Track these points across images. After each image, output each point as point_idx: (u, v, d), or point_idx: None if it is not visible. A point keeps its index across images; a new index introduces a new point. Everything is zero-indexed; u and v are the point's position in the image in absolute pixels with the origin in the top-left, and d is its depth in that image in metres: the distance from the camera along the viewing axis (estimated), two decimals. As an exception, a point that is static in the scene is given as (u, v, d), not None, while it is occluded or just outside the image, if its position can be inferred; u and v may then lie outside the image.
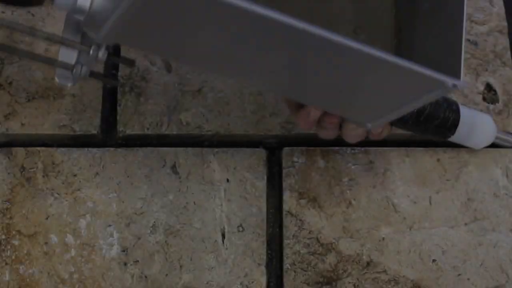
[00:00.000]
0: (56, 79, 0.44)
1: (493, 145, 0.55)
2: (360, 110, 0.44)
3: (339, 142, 0.53)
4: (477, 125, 0.52)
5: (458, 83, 0.35)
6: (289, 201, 0.54)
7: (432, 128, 0.51)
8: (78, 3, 0.37)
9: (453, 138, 0.53)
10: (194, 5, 0.31)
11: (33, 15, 0.59)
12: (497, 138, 0.55)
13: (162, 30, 0.35)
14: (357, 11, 0.46)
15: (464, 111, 0.52)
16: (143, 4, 0.31)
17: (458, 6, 0.40)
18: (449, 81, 0.34)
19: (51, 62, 0.44)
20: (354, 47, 0.33)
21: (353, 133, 0.47)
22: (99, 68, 0.57)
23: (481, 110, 0.58)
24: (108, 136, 0.58)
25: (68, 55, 0.43)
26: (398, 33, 0.46)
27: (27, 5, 0.38)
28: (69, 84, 0.44)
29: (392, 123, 0.49)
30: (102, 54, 0.41)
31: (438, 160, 0.56)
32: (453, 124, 0.51)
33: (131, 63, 0.49)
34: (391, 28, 0.46)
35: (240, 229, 0.54)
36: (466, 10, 0.39)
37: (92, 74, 0.44)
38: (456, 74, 0.36)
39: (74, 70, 0.42)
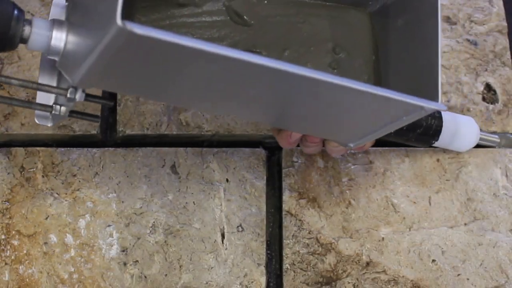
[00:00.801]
0: (36, 120, 0.43)
1: (477, 146, 0.55)
2: (340, 133, 0.44)
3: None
4: (460, 129, 0.53)
5: (437, 106, 0.35)
6: (288, 201, 0.54)
7: (416, 136, 0.51)
8: (52, 44, 0.37)
9: (438, 144, 0.53)
10: (162, 53, 0.31)
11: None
12: (481, 139, 0.55)
13: (135, 76, 0.35)
14: (335, 29, 0.46)
15: (446, 116, 0.52)
16: (113, 54, 0.31)
17: (433, 24, 0.40)
18: (427, 105, 0.34)
19: (29, 105, 0.43)
20: (330, 82, 0.33)
21: (336, 149, 0.48)
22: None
23: (481, 110, 0.58)
24: (107, 136, 0.58)
25: (45, 97, 0.42)
26: (376, 49, 0.46)
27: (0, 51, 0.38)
28: (49, 125, 0.44)
29: None
30: (79, 96, 0.40)
31: (438, 160, 0.56)
32: (436, 131, 0.51)
33: (110, 101, 0.48)
34: (369, 45, 0.46)
35: (240, 229, 0.54)
36: (440, 28, 0.39)
37: (72, 114, 0.44)
38: (433, 96, 0.37)
39: (53, 112, 0.41)
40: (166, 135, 0.57)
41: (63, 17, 0.39)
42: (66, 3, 0.40)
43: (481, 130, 0.55)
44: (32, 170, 0.55)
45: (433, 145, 0.53)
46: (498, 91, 0.59)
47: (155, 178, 0.55)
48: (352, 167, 0.56)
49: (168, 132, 0.57)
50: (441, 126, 0.51)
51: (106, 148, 0.56)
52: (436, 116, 0.51)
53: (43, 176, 0.54)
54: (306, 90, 0.35)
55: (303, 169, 0.55)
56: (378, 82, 0.45)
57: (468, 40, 0.61)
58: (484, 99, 0.59)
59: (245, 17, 0.45)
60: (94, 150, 0.56)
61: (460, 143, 0.53)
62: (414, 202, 0.55)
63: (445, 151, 0.56)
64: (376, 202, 0.54)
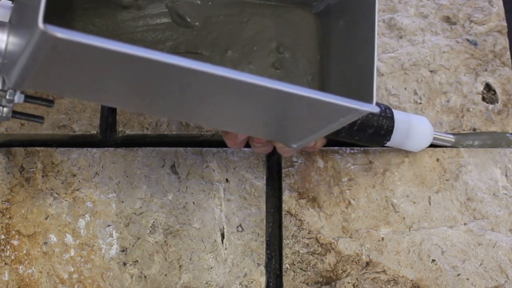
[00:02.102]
0: None
1: (432, 146, 0.55)
2: (281, 134, 0.44)
3: (339, 142, 0.53)
4: (412, 129, 0.52)
5: (369, 108, 0.35)
6: (288, 201, 0.54)
7: (367, 136, 0.51)
8: None
9: (390, 144, 0.53)
10: (88, 56, 0.31)
11: None
12: (435, 139, 0.55)
13: (70, 78, 0.35)
14: (279, 28, 0.46)
15: (398, 116, 0.52)
16: (42, 58, 0.31)
17: (370, 26, 0.40)
18: (359, 108, 0.35)
19: None
20: (260, 85, 0.33)
21: (283, 149, 0.48)
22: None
23: (481, 110, 0.58)
24: (107, 136, 0.58)
25: None
26: (321, 49, 0.46)
27: None
28: None
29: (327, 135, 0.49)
30: (18, 98, 0.40)
31: (438, 160, 0.56)
32: (388, 131, 0.51)
33: (49, 102, 0.48)
34: (314, 45, 0.46)
35: (240, 229, 0.54)
36: (376, 30, 0.40)
37: (16, 115, 0.44)
38: (368, 98, 0.37)
39: None
40: (166, 135, 0.57)
41: (7, 19, 0.39)
42: (12, 4, 0.40)
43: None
44: (32, 170, 0.55)
45: (386, 145, 0.53)
46: (498, 91, 0.59)
47: (155, 178, 0.55)
48: (352, 167, 0.56)
49: (168, 132, 0.57)
50: (392, 126, 0.51)
51: (106, 148, 0.56)
52: (388, 116, 0.51)
53: (43, 176, 0.54)
54: (235, 92, 0.35)
55: (303, 169, 0.55)
56: (322, 82, 0.45)
57: (468, 40, 0.61)
58: (484, 99, 0.59)
59: (187, 18, 0.45)
60: (94, 150, 0.56)
61: (413, 143, 0.53)
62: (414, 202, 0.55)
63: (444, 151, 0.56)
64: (376, 202, 0.54)
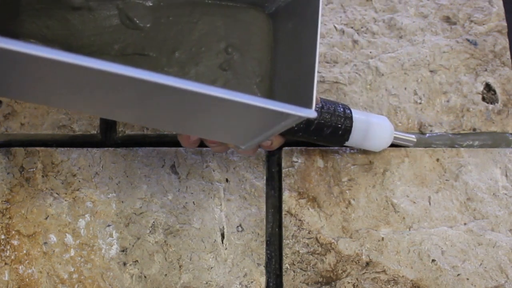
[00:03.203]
0: None
1: (394, 146, 0.55)
2: (229, 136, 0.44)
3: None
4: (372, 129, 0.52)
5: (306, 113, 0.35)
6: (288, 201, 0.54)
7: (325, 136, 0.51)
8: None
9: (349, 143, 0.53)
10: (10, 59, 0.31)
11: None
12: (395, 139, 0.55)
13: (7, 81, 0.35)
14: (229, 29, 0.46)
15: (357, 116, 0.52)
16: None
17: (313, 30, 0.40)
18: (297, 113, 0.35)
19: None
20: (200, 92, 0.33)
21: (240, 149, 0.48)
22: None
23: (481, 110, 0.58)
24: (107, 136, 0.58)
25: None
26: (271, 50, 0.46)
27: None
28: None
29: (285, 134, 0.49)
30: None
31: (438, 160, 0.56)
32: (346, 130, 0.51)
33: None
34: (265, 46, 0.46)
35: (240, 229, 0.54)
36: (319, 34, 0.40)
37: None
38: (308, 103, 0.37)
39: None
40: (166, 135, 0.57)
41: None
42: None
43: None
44: (32, 170, 0.55)
45: (345, 145, 0.53)
46: (498, 91, 0.59)
47: (155, 178, 0.55)
48: (352, 167, 0.56)
49: (168, 132, 0.57)
50: (351, 126, 0.51)
51: (106, 148, 0.56)
52: (347, 116, 0.51)
53: (43, 176, 0.54)
54: (169, 96, 0.35)
55: (303, 169, 0.55)
56: (271, 84, 0.45)
57: (468, 40, 0.61)
58: (484, 99, 0.59)
59: (136, 20, 0.45)
60: (94, 150, 0.56)
61: (373, 143, 0.53)
62: (414, 202, 0.55)
63: (444, 151, 0.56)
64: (376, 202, 0.55)
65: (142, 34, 0.45)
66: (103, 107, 0.40)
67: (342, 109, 0.51)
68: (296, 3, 0.44)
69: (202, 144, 0.49)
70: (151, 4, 0.45)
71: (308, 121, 0.49)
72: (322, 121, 0.50)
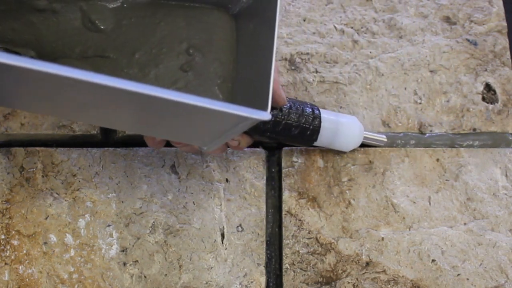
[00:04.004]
0: None
1: (364, 146, 0.55)
2: (190, 137, 0.45)
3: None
4: (341, 129, 0.52)
5: (262, 116, 0.35)
6: (288, 201, 0.54)
7: (293, 136, 0.51)
8: None
9: (318, 143, 0.53)
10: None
11: None
12: (365, 139, 0.55)
13: None
14: (192, 30, 0.46)
15: (326, 116, 0.52)
16: None
17: (271, 32, 0.40)
18: (251, 116, 0.35)
19: None
20: (141, 93, 0.33)
21: (203, 150, 0.48)
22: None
23: (481, 110, 0.58)
24: (107, 136, 0.58)
25: None
26: (234, 51, 0.46)
27: None
28: None
29: (252, 134, 0.49)
30: None
31: (438, 160, 0.56)
32: (314, 131, 0.51)
33: None
34: (228, 47, 0.46)
35: (240, 229, 0.54)
36: (276, 36, 0.40)
37: None
38: (264, 105, 0.37)
39: None
40: (166, 135, 0.57)
41: None
42: None
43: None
44: (32, 170, 0.55)
45: (314, 144, 0.53)
46: (498, 91, 0.59)
47: (155, 178, 0.55)
48: (352, 167, 0.56)
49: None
50: (319, 126, 0.51)
51: (106, 148, 0.56)
52: (315, 116, 0.51)
53: (43, 176, 0.54)
54: (124, 99, 0.35)
55: (303, 169, 0.55)
56: (233, 85, 0.45)
57: (468, 40, 0.61)
58: (484, 99, 0.59)
59: (97, 22, 0.45)
60: (94, 150, 0.56)
61: (342, 143, 0.53)
62: (414, 202, 0.55)
63: (444, 151, 0.56)
64: (376, 202, 0.54)
65: (103, 36, 0.45)
66: (65, 110, 0.40)
67: (310, 110, 0.51)
68: (257, 4, 0.44)
69: (168, 143, 0.49)
70: (114, 6, 0.45)
71: (275, 122, 0.49)
72: (290, 122, 0.50)
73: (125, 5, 0.45)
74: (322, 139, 0.52)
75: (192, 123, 0.39)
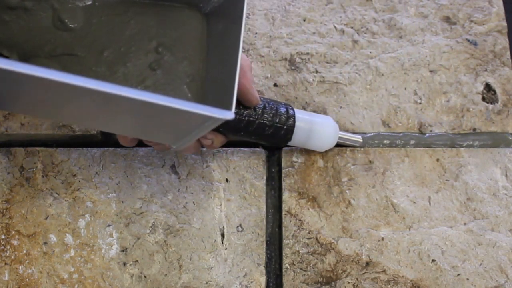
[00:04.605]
0: None
1: (339, 146, 0.55)
2: (158, 136, 0.45)
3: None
4: (315, 129, 0.52)
5: (225, 115, 0.36)
6: (288, 201, 0.54)
7: (267, 136, 0.51)
8: None
9: (293, 143, 0.53)
10: None
11: None
12: (340, 139, 0.55)
13: None
14: (162, 28, 0.46)
15: (301, 115, 0.52)
16: None
17: (238, 33, 0.40)
18: (214, 116, 0.35)
19: None
20: (103, 91, 0.33)
21: (173, 149, 0.48)
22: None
23: (481, 110, 0.58)
24: (107, 136, 0.58)
25: None
26: (203, 50, 0.46)
27: None
28: None
29: (226, 133, 0.49)
30: None
31: (438, 160, 0.56)
32: (288, 131, 0.51)
33: None
34: (198, 46, 0.46)
35: (240, 229, 0.54)
36: (242, 37, 0.40)
37: None
38: (228, 105, 0.38)
39: None
40: (166, 135, 0.57)
41: None
42: None
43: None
44: (32, 170, 0.55)
45: (289, 144, 0.53)
46: (498, 91, 0.59)
47: (155, 178, 0.55)
48: (352, 167, 0.56)
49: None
50: (293, 126, 0.51)
51: (106, 148, 0.56)
52: (289, 116, 0.51)
53: (43, 176, 0.54)
54: (86, 97, 0.35)
55: (303, 169, 0.55)
56: (202, 84, 0.45)
57: (468, 40, 0.61)
58: (483, 99, 0.59)
59: (66, 21, 0.45)
60: (94, 150, 0.56)
61: (317, 143, 0.53)
62: (414, 202, 0.55)
63: (444, 151, 0.56)
64: (376, 202, 0.54)
65: (72, 34, 0.45)
66: (34, 108, 0.41)
67: (285, 109, 0.51)
68: (228, 4, 0.44)
69: (141, 142, 0.49)
70: (86, 4, 0.45)
71: (249, 121, 0.49)
72: (264, 121, 0.50)
73: (96, 4, 0.46)
74: (297, 139, 0.52)
75: (158, 121, 0.40)
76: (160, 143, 0.48)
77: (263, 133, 0.50)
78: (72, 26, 0.45)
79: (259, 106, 0.50)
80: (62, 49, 0.44)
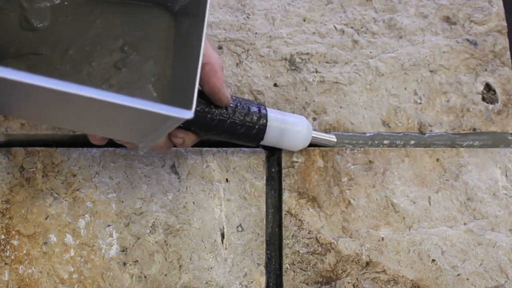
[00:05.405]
0: None
1: (313, 145, 0.55)
2: (124, 135, 0.45)
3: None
4: (288, 129, 0.52)
5: (184, 115, 0.36)
6: (288, 201, 0.54)
7: (239, 135, 0.51)
8: None
9: (265, 143, 0.53)
10: None
11: None
12: (314, 139, 0.55)
13: None
14: (128, 27, 0.46)
15: (273, 115, 0.52)
16: None
17: (199, 32, 0.41)
18: (174, 115, 0.36)
19: None
20: (81, 96, 0.33)
21: (152, 147, 0.49)
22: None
23: (481, 110, 0.58)
24: (107, 136, 0.58)
25: None
26: (170, 49, 0.46)
27: None
28: None
29: (198, 132, 0.50)
30: None
31: (438, 160, 0.56)
32: (260, 130, 0.51)
33: None
34: (165, 45, 0.46)
35: (240, 229, 0.54)
36: (204, 37, 0.40)
37: None
38: (188, 104, 0.38)
39: None
40: (166, 135, 0.57)
41: None
42: None
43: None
44: (32, 170, 0.55)
45: (261, 144, 0.53)
46: (498, 91, 0.59)
47: (155, 178, 0.55)
48: (352, 167, 0.56)
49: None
50: (265, 126, 0.51)
51: (106, 148, 0.56)
52: (261, 116, 0.51)
53: (43, 176, 0.54)
54: (48, 96, 0.35)
55: (303, 169, 0.55)
56: (169, 83, 0.45)
57: (468, 40, 0.61)
58: (483, 99, 0.59)
59: (32, 21, 0.45)
60: (94, 150, 0.56)
61: (290, 142, 0.53)
62: (414, 202, 0.55)
63: (444, 151, 0.56)
64: (376, 202, 0.54)
65: (38, 34, 0.45)
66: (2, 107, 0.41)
67: (257, 109, 0.51)
68: (194, 3, 0.45)
69: (111, 140, 0.49)
70: (54, 4, 0.45)
71: (220, 120, 0.49)
72: (236, 121, 0.50)
73: (66, 3, 0.46)
74: (269, 138, 0.52)
75: (120, 120, 0.40)
76: (127, 142, 0.48)
77: (235, 132, 0.51)
78: (38, 26, 0.45)
79: (231, 105, 0.50)
80: (28, 49, 0.44)
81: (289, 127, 0.52)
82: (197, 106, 0.47)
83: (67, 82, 0.33)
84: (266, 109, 0.52)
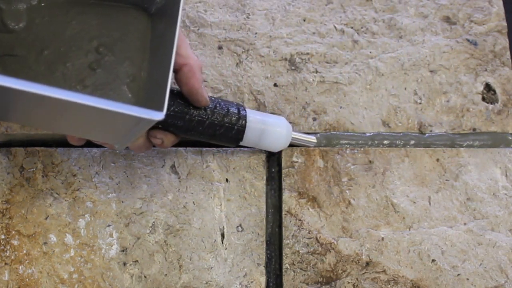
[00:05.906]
0: None
1: (292, 145, 0.55)
2: (100, 136, 0.45)
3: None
4: (267, 130, 0.52)
5: (155, 116, 0.36)
6: (288, 201, 0.54)
7: (218, 136, 0.51)
8: None
9: (244, 143, 0.53)
10: None
11: None
12: (294, 139, 0.55)
13: None
14: (104, 27, 0.46)
15: (252, 115, 0.52)
16: None
17: (172, 34, 0.41)
18: (144, 116, 0.36)
19: None
20: (51, 97, 0.33)
21: (131, 147, 0.49)
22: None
23: (481, 110, 0.58)
24: (107, 136, 0.58)
25: None
26: (147, 50, 0.46)
27: None
28: None
29: (177, 133, 0.50)
30: None
31: (438, 160, 0.56)
32: (239, 131, 0.51)
33: None
34: (141, 46, 0.46)
35: (240, 229, 0.54)
36: (177, 39, 0.40)
37: None
38: (160, 106, 0.38)
39: None
40: (166, 135, 0.57)
41: None
42: None
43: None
44: (32, 170, 0.55)
45: (241, 144, 0.53)
46: (498, 91, 0.59)
47: (155, 178, 0.55)
48: (352, 167, 0.56)
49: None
50: (244, 126, 0.51)
51: (106, 148, 0.56)
52: (240, 116, 0.51)
53: (43, 176, 0.54)
54: (20, 97, 0.36)
55: (303, 169, 0.55)
56: (145, 85, 0.45)
57: (468, 40, 0.61)
58: (483, 99, 0.59)
59: (7, 22, 0.45)
60: (94, 150, 0.56)
61: (269, 143, 0.53)
62: (414, 202, 0.55)
63: (444, 151, 0.56)
64: (376, 202, 0.54)
65: (14, 36, 0.45)
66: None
67: (236, 109, 0.51)
68: (169, 4, 0.45)
69: (89, 141, 0.49)
70: (32, 5, 0.46)
71: (199, 121, 0.49)
72: (215, 121, 0.50)
73: (42, 4, 0.46)
74: (248, 139, 0.52)
75: (93, 121, 0.40)
76: (105, 143, 0.48)
77: (214, 133, 0.51)
78: (14, 27, 0.45)
79: (210, 106, 0.50)
80: (3, 50, 0.45)
81: (268, 128, 0.52)
82: (175, 107, 0.48)
83: (38, 84, 0.33)
84: (245, 110, 0.52)
